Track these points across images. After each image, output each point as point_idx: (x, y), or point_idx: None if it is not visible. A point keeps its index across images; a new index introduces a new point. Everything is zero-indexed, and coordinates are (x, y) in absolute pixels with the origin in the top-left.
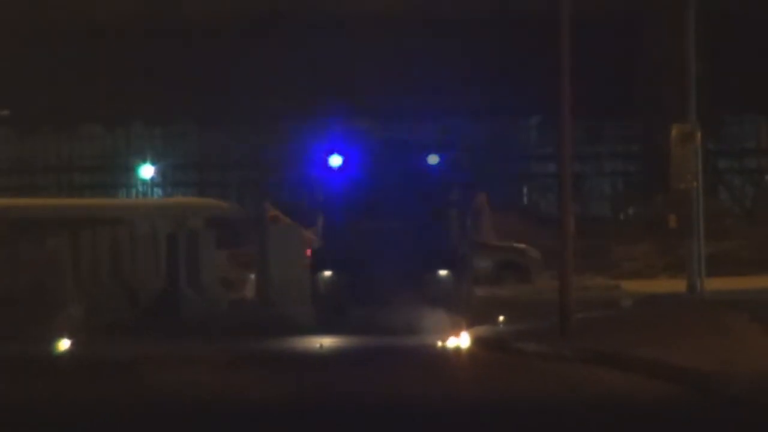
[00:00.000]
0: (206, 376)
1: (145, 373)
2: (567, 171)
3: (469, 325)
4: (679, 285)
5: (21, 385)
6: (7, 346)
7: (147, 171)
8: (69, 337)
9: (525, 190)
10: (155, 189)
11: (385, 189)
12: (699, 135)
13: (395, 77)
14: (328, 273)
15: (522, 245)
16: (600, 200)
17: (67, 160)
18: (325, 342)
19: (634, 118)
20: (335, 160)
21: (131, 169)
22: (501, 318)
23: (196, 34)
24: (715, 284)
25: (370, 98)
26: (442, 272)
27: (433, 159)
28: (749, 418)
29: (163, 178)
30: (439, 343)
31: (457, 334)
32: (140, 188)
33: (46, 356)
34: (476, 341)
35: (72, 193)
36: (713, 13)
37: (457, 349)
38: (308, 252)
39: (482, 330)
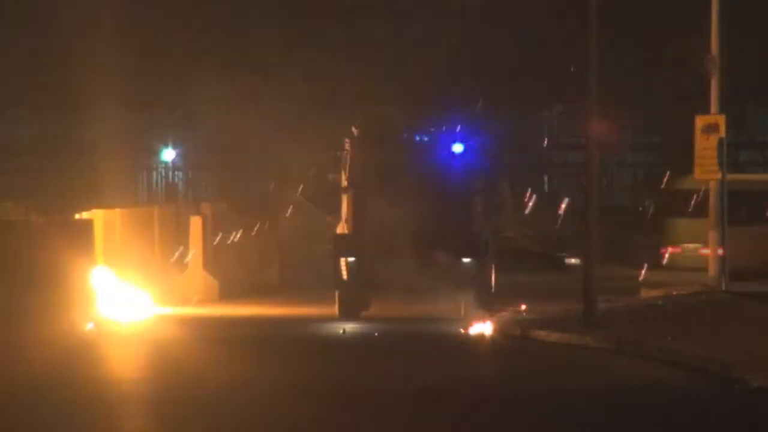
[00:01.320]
0: (226, 360)
1: (165, 357)
2: (594, 161)
3: (493, 313)
4: (701, 276)
5: (50, 362)
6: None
7: (169, 154)
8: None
9: (546, 179)
10: (177, 172)
11: (410, 175)
12: (723, 125)
13: (417, 64)
14: (351, 258)
15: None
16: (620, 190)
17: (90, 142)
18: (348, 327)
19: (656, 108)
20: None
21: (153, 152)
22: (523, 306)
23: (219, 17)
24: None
25: (391, 85)
26: (466, 259)
27: (457, 147)
28: None
29: (184, 161)
30: (462, 331)
31: (480, 322)
32: (162, 171)
33: (70, 338)
34: (499, 328)
35: (94, 176)
36: (736, 2)
37: (480, 337)
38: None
39: (505, 317)
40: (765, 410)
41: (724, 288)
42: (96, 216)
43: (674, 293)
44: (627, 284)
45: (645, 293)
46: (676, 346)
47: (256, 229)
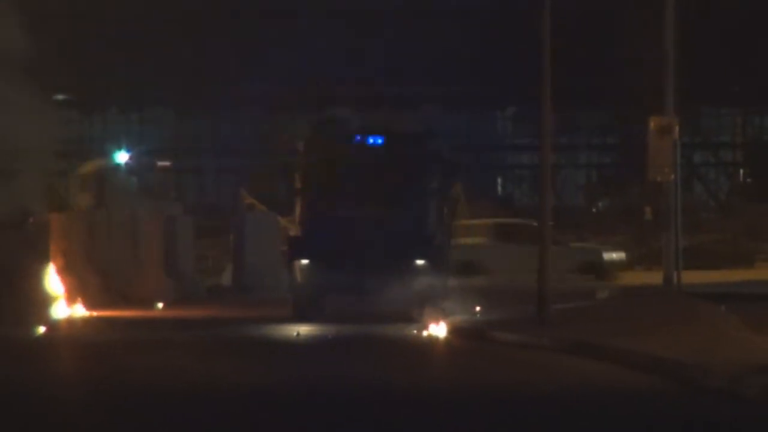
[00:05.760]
0: (185, 361)
1: (125, 358)
2: (547, 162)
3: (446, 315)
4: (654, 277)
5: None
6: None
7: (122, 157)
8: (47, 322)
9: (499, 180)
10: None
11: (364, 177)
12: (677, 127)
13: (373, 66)
14: (304, 261)
15: None
16: (574, 191)
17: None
18: (302, 330)
19: (610, 109)
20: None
21: (106, 155)
22: (478, 307)
23: (174, 20)
24: (690, 277)
25: (346, 87)
26: (419, 261)
27: (410, 149)
28: (727, 409)
29: (138, 165)
30: (416, 333)
31: (434, 324)
32: None
33: (25, 340)
34: (454, 330)
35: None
36: (692, 4)
37: (435, 339)
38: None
39: (459, 319)
40: (718, 410)
41: (677, 288)
42: (51, 219)
43: (629, 294)
44: (582, 284)
45: (600, 293)
46: (630, 346)
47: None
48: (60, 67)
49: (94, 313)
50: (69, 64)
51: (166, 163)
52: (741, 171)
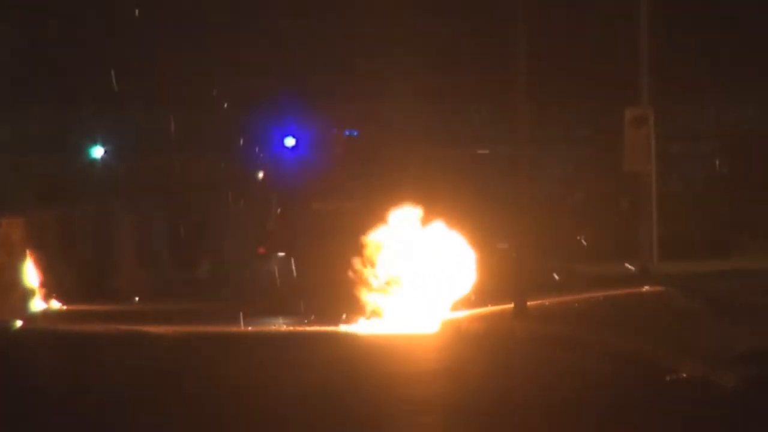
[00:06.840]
0: (160, 355)
1: (101, 351)
2: (523, 154)
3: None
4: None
5: None
6: None
7: (98, 152)
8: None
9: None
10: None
11: (338, 171)
12: (652, 118)
13: (347, 59)
14: (281, 254)
15: None
16: (550, 183)
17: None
18: (280, 323)
19: (585, 100)
20: (289, 141)
21: (81, 151)
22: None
23: (146, 13)
24: (666, 267)
25: (319, 81)
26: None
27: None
28: (700, 398)
29: (116, 160)
30: (391, 323)
31: (407, 315)
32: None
33: (1, 334)
34: (431, 321)
35: (24, 176)
36: None
37: (410, 329)
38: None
39: (434, 310)
40: (697, 400)
41: (655, 282)
42: (28, 217)
43: (604, 285)
44: (563, 278)
45: (580, 288)
46: (606, 337)
47: (185, 225)
48: (33, 64)
49: (71, 307)
50: (43, 60)
51: None
52: (717, 161)
